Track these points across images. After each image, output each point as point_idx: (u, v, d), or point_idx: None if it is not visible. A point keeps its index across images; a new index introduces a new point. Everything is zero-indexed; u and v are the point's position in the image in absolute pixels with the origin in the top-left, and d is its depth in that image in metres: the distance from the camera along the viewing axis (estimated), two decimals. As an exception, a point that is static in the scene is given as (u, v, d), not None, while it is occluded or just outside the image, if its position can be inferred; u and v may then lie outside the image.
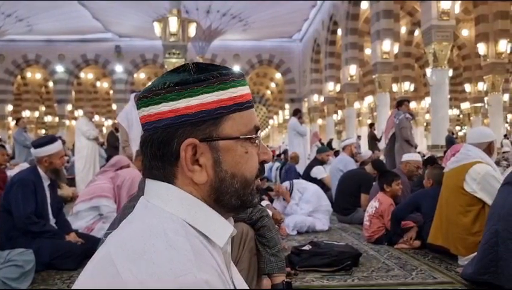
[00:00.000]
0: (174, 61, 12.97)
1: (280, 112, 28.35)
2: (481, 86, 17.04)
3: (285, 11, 19.88)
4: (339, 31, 18.04)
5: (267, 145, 11.86)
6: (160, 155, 0.65)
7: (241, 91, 0.68)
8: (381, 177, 4.35)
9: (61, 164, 3.53)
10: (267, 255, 1.95)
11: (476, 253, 2.91)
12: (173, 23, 12.98)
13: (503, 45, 13.37)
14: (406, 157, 4.96)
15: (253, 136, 0.69)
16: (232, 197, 0.67)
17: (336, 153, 9.28)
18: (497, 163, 5.68)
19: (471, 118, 18.85)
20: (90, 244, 3.50)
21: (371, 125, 12.25)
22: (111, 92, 25.27)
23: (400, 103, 6.78)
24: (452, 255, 3.31)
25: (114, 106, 23.82)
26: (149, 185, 0.69)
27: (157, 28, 13.36)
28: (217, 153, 0.65)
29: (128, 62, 23.41)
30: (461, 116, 24.67)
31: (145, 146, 0.67)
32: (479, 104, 17.73)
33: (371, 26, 14.18)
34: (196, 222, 0.64)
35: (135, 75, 24.51)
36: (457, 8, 10.95)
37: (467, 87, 18.14)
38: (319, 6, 20.20)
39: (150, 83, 0.71)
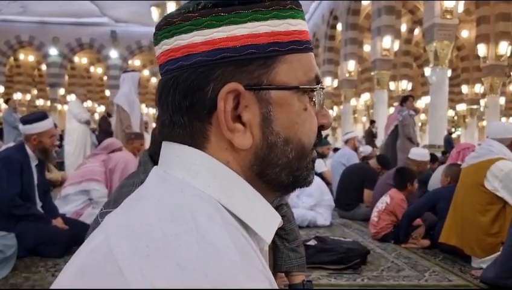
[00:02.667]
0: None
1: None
2: (478, 88, 16.94)
3: (286, 3, 19.57)
4: (339, 26, 17.81)
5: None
6: (187, 106, 0.47)
7: (301, 26, 0.50)
8: (400, 174, 4.05)
9: (51, 143, 3.27)
10: (286, 251, 1.69)
11: (494, 255, 2.71)
12: (171, 8, 12.69)
13: (503, 47, 13.22)
14: (419, 157, 4.60)
15: (317, 87, 0.50)
16: (282, 171, 0.49)
17: (335, 150, 9.04)
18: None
19: (467, 119, 18.76)
20: (78, 231, 3.24)
21: (372, 122, 12.06)
22: (105, 77, 24.82)
23: (405, 99, 6.57)
24: (465, 256, 3.11)
25: (107, 92, 23.40)
26: (168, 150, 0.50)
27: (154, 13, 13.08)
28: (267, 107, 0.47)
29: (124, 48, 22.97)
30: (456, 117, 24.60)
31: (165, 94, 0.48)
32: (475, 106, 17.64)
33: (372, 22, 13.98)
34: (234, 205, 0.46)
35: (130, 62, 24.06)
36: (460, 7, 10.71)
37: (464, 88, 18.02)
38: (320, 1, 19.94)
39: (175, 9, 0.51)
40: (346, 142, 6.06)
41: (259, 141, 0.47)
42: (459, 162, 4.80)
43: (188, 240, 0.38)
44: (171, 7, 12.68)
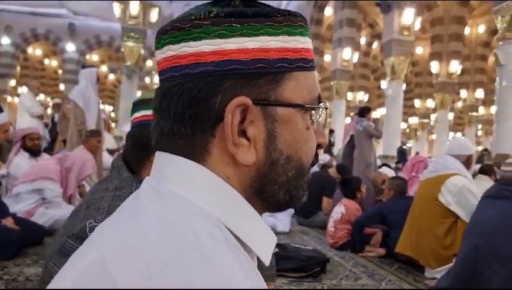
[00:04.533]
0: (132, 45, 12.40)
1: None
2: (429, 103, 17.72)
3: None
4: (301, 35, 18.07)
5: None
6: (190, 116, 0.44)
7: (308, 44, 0.49)
8: (347, 184, 4.19)
9: (4, 138, 3.08)
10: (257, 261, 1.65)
11: (447, 266, 2.81)
12: (134, 6, 12.42)
13: (454, 66, 13.91)
14: (389, 174, 4.75)
15: (321, 106, 0.50)
16: (281, 189, 0.48)
17: None
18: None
19: (418, 132, 19.55)
20: (29, 232, 3.08)
21: (331, 131, 12.30)
22: (60, 71, 23.85)
23: (366, 110, 6.75)
24: (418, 266, 3.21)
25: (62, 86, 22.46)
26: (164, 161, 0.47)
27: (116, 8, 12.71)
28: (273, 123, 0.46)
29: (82, 42, 22.17)
30: (408, 130, 25.58)
31: (167, 101, 0.46)
32: (426, 120, 18.42)
33: (334, 33, 14.30)
34: (234, 224, 0.44)
35: (88, 56, 23.26)
36: (417, 25, 11.18)
37: (417, 102, 18.79)
38: (284, 7, 20.13)
39: (182, 14, 0.47)
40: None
41: (262, 158, 0.46)
42: (413, 174, 4.99)
43: (192, 261, 0.36)
44: (134, 5, 12.42)
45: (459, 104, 19.68)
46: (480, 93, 16.42)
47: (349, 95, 17.22)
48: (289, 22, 0.46)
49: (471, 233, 2.48)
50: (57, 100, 7.26)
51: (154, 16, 13.36)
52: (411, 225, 3.20)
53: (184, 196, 0.43)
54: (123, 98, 12.21)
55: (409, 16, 10.51)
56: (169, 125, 0.46)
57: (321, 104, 0.50)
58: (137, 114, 0.95)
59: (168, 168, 0.46)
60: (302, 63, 0.47)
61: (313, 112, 0.49)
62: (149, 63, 20.39)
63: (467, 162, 3.09)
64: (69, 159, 3.48)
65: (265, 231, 0.47)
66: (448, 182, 2.97)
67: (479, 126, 18.35)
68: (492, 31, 15.94)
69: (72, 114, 5.00)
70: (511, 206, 2.24)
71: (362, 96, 18.09)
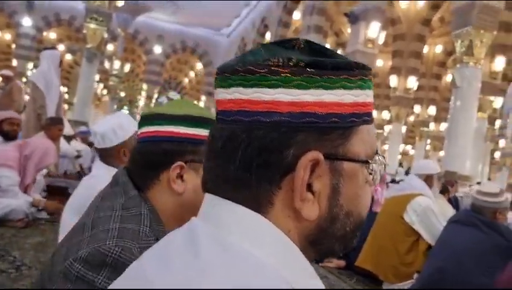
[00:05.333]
0: (94, 28, 11.94)
1: (195, 102, 27.71)
2: (385, 115, 18.32)
3: (219, 3, 19.47)
4: (268, 35, 18.14)
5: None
6: (258, 165, 0.43)
7: (372, 97, 0.49)
8: None
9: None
10: None
11: (407, 282, 2.90)
12: (104, -10, 11.98)
13: (411, 82, 14.47)
14: None
15: (382, 161, 0.50)
16: (337, 242, 0.48)
17: None
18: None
19: (372, 142, 20.18)
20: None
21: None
22: (13, 45, 22.53)
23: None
24: (376, 280, 3.29)
25: (15, 62, 21.24)
26: (223, 208, 0.45)
27: (82, -13, 12.18)
28: (338, 178, 0.45)
29: (40, 18, 21.06)
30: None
31: (232, 146, 0.44)
32: (381, 131, 19.04)
33: (300, 37, 14.41)
34: (298, 284, 0.43)
35: (45, 33, 22.14)
36: (381, 39, 11.53)
37: (374, 113, 19.34)
38: (253, 6, 20.14)
39: (247, 54, 0.46)
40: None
41: (324, 213, 0.45)
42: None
43: None
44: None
45: (411, 118, 20.53)
46: (432, 110, 17.19)
47: (310, 100, 17.51)
48: (362, 76, 0.45)
49: (437, 255, 2.57)
50: (7, 72, 6.80)
51: (121, 0, 12.95)
52: (373, 240, 3.28)
53: (248, 250, 0.41)
54: (81, 81, 11.74)
55: (374, 30, 10.81)
56: (233, 171, 0.44)
57: (380, 158, 0.49)
58: (148, 128, 0.88)
59: (229, 218, 0.44)
60: (367, 117, 0.47)
61: (374, 165, 0.48)
62: (110, 47, 19.71)
63: (426, 181, 3.22)
64: (30, 147, 3.27)
65: (320, 285, 0.47)
66: (414, 201, 3.08)
67: (428, 141, 19.20)
68: (448, 52, 16.74)
69: (31, 97, 4.73)
70: (479, 235, 2.33)
71: (322, 102, 18.44)
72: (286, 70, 0.42)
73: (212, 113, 0.91)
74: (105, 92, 24.19)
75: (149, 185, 0.88)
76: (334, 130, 0.44)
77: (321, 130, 0.43)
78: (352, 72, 0.44)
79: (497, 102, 11.84)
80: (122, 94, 26.01)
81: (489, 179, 16.36)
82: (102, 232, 0.78)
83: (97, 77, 15.45)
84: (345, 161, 0.45)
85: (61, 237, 1.61)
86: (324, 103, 0.43)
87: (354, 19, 10.74)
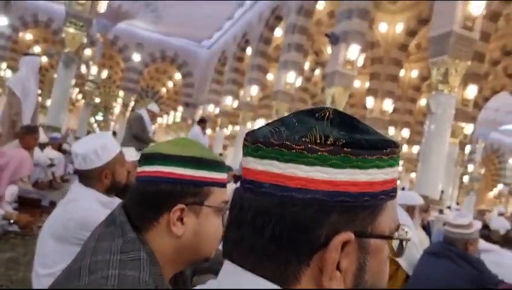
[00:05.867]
0: (73, 32, 11.71)
1: (172, 112, 27.52)
2: (360, 135, 18.64)
3: (201, 15, 19.52)
4: (249, 50, 18.25)
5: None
6: (290, 241, 0.43)
7: (398, 172, 0.50)
8: None
9: None
10: None
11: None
12: (90, -8, 11.80)
13: (387, 104, 14.79)
14: None
15: (404, 235, 0.50)
16: None
17: (235, 178, 8.86)
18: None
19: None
20: None
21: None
22: (-14, 44, 21.89)
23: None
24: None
25: (-13, 61, 20.63)
26: (244, 279, 0.45)
27: (64, -10, 11.96)
28: (365, 256, 0.46)
29: (16, 17, 20.57)
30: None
31: (264, 219, 0.44)
32: (355, 150, 19.33)
33: (281, 55, 14.58)
34: None
35: (21, 34, 21.64)
36: (360, 62, 11.75)
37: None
38: (235, 21, 20.26)
39: (280, 125, 0.46)
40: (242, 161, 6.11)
41: (348, 288, 0.45)
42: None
43: None
44: (103, 4, 11.85)
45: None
46: (406, 132, 17.58)
47: (287, 116, 17.64)
48: (392, 154, 0.46)
49: (413, 287, 2.59)
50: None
51: (102, 6, 12.80)
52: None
53: None
54: (57, 86, 11.45)
55: (354, 52, 11.00)
56: (260, 245, 0.44)
57: (403, 232, 0.49)
58: (149, 168, 0.85)
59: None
60: (394, 193, 0.48)
61: (404, 241, 0.49)
62: (88, 52, 19.41)
63: (409, 212, 3.25)
64: (5, 157, 3.13)
65: None
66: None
67: (401, 162, 19.60)
68: (423, 77, 17.23)
69: (7, 102, 4.58)
70: (453, 267, 2.37)
71: (299, 119, 18.59)
72: (323, 149, 0.43)
73: (214, 154, 0.89)
74: (80, 96, 23.72)
75: (148, 227, 0.84)
76: (365, 209, 0.44)
77: (353, 210, 0.44)
78: (384, 151, 0.45)
79: (468, 128, 12.21)
80: (98, 100, 25.57)
81: (457, 203, 16.79)
82: (101, 279, 0.74)
83: (73, 82, 15.17)
84: (373, 239, 0.45)
85: (37, 261, 1.53)
86: (357, 182, 0.43)
87: (334, 40, 10.91)
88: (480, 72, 11.21)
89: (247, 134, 0.48)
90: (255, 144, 0.45)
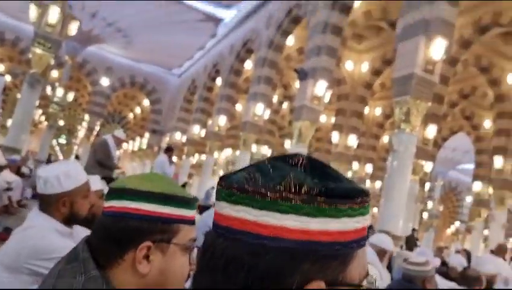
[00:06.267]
0: (41, 53, 11.48)
1: (138, 138, 27.10)
2: (325, 168, 18.91)
3: (173, 44, 19.66)
4: (219, 80, 18.42)
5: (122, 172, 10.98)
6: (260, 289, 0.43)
7: (369, 220, 0.50)
8: None
9: None
10: None
11: None
12: (54, 14, 11.60)
13: (352, 140, 15.15)
14: None
15: (372, 282, 0.50)
16: None
17: (200, 209, 8.71)
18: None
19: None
20: None
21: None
22: None
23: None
24: None
25: None
26: None
27: (33, 11, 11.75)
28: None
29: (-19, 35, 20.07)
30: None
31: (235, 266, 0.44)
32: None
33: (251, 87, 14.78)
34: None
35: (-16, 52, 21.06)
36: (327, 98, 12.05)
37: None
38: (206, 51, 20.48)
39: (254, 170, 0.46)
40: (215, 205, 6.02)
41: None
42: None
43: None
44: (54, 12, 11.64)
45: (349, 174, 21.32)
46: (369, 168, 17.99)
47: (254, 147, 17.71)
48: (364, 203, 0.47)
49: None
50: None
51: (73, 29, 12.65)
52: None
53: None
54: (20, 107, 11.07)
55: (321, 88, 11.28)
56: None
57: (371, 278, 0.50)
58: (117, 203, 0.83)
59: None
60: (364, 241, 0.48)
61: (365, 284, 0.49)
62: (54, 73, 19.02)
63: (379, 255, 3.29)
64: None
65: None
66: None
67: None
68: (387, 115, 17.84)
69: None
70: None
71: (266, 151, 18.70)
72: (297, 198, 0.43)
73: (185, 191, 0.87)
74: (43, 118, 23.05)
75: (112, 263, 0.81)
76: (336, 258, 0.44)
77: (325, 258, 0.44)
78: (356, 199, 0.45)
79: (428, 166, 12.64)
80: (62, 123, 24.90)
81: (417, 239, 17.15)
82: None
83: (36, 103, 14.75)
84: (343, 287, 0.45)
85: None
86: (330, 231, 0.44)
87: (302, 75, 11.18)
88: (440, 113, 11.73)
89: (222, 178, 0.47)
90: (229, 189, 0.45)
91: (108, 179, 4.69)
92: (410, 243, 13.53)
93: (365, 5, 11.84)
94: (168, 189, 0.83)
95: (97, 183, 2.05)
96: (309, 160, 0.48)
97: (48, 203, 1.58)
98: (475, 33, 11.25)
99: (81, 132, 25.07)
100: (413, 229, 15.31)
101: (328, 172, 0.47)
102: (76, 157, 17.58)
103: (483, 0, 10.67)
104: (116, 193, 0.83)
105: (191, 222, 0.85)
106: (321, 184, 0.44)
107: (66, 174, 1.57)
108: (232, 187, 0.45)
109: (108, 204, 0.84)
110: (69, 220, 1.59)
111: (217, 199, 0.47)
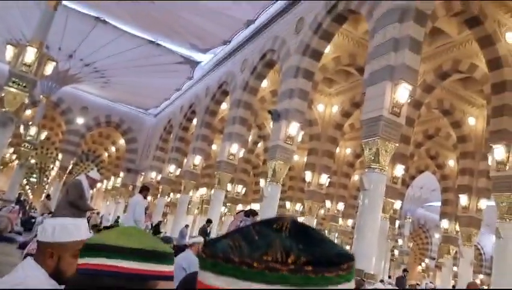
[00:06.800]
0: (15, 92, 11.26)
1: (112, 177, 26.52)
2: (298, 207, 18.90)
3: (151, 85, 19.73)
4: (195, 121, 18.45)
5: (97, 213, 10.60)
6: None
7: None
8: None
9: None
10: None
11: None
12: (30, 54, 11.49)
13: (324, 178, 15.26)
14: None
15: None
16: None
17: (175, 249, 8.55)
18: None
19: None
20: None
21: (208, 221, 12.14)
22: None
23: (253, 213, 6.89)
24: None
25: None
26: None
27: (10, 51, 11.63)
28: None
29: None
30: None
31: None
32: (293, 222, 19.39)
33: (226, 127, 14.86)
34: None
35: (-44, 90, 20.45)
36: (300, 137, 12.21)
37: (288, 204, 19.90)
38: (183, 92, 20.61)
39: (239, 238, 0.45)
40: (191, 245, 5.85)
41: None
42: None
43: None
44: (30, 53, 11.56)
45: (321, 212, 21.34)
46: (341, 206, 18.09)
47: (229, 186, 17.56)
48: (350, 269, 0.46)
49: None
50: None
51: (49, 69, 12.54)
52: None
53: None
54: (-10, 146, 10.72)
55: (294, 128, 11.44)
56: None
57: None
58: (92, 260, 0.79)
59: None
60: None
61: None
62: (28, 112, 18.63)
63: None
64: None
65: None
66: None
67: (337, 234, 19.85)
68: (357, 155, 18.16)
69: None
70: None
71: (241, 189, 18.58)
72: (284, 268, 0.42)
73: (165, 245, 0.84)
74: (14, 156, 22.34)
75: None
76: None
77: None
78: (342, 266, 0.45)
79: (397, 204, 12.82)
80: (33, 161, 24.18)
81: (389, 276, 17.12)
82: None
83: (8, 141, 14.34)
84: None
85: None
86: None
87: (276, 117, 11.34)
88: (407, 153, 12.04)
89: (206, 246, 0.46)
90: (214, 259, 0.44)
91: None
92: (402, 284, 13.51)
93: (334, 51, 12.29)
94: (145, 244, 0.79)
95: (85, 232, 1.91)
96: (293, 224, 0.47)
97: (39, 251, 1.51)
98: (437, 78, 11.79)
99: (53, 171, 24.37)
100: (405, 270, 15.31)
101: (313, 235, 0.47)
102: (48, 197, 16.98)
103: (443, 48, 11.30)
104: (91, 249, 0.80)
105: (169, 277, 0.81)
106: (307, 252, 0.43)
107: (64, 226, 1.50)
108: (217, 257, 0.43)
109: (83, 261, 0.80)
110: (54, 275, 1.49)
111: (201, 268, 0.45)
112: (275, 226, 0.46)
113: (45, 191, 24.81)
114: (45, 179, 26.48)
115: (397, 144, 8.47)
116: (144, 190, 7.79)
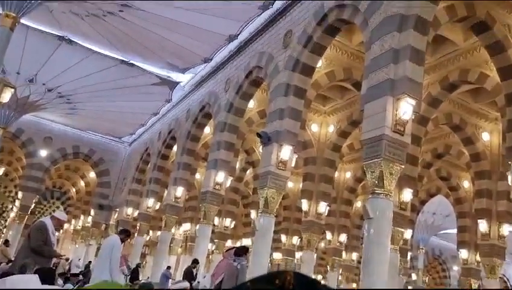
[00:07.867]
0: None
1: (82, 216, 26.12)
2: (295, 240, 18.68)
3: (123, 110, 19.69)
4: (175, 147, 18.38)
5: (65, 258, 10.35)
6: None
7: None
8: None
9: None
10: None
11: None
12: (7, 97, 11.72)
13: (323, 207, 15.15)
14: None
15: None
16: None
17: None
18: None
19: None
20: None
21: (195, 261, 11.91)
22: None
23: (244, 250, 6.84)
24: None
25: None
26: None
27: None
28: None
29: None
30: (270, 265, 26.30)
31: None
32: (291, 258, 19.09)
33: (210, 153, 14.80)
34: None
35: None
36: (293, 162, 12.19)
37: (283, 237, 19.61)
38: (161, 116, 20.61)
39: None
40: (175, 291, 5.77)
41: None
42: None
43: None
44: (7, 95, 11.75)
45: (322, 245, 21.16)
46: (343, 237, 17.95)
47: (216, 220, 17.36)
48: None
49: None
50: None
51: (6, 96, 12.54)
52: None
53: None
54: None
55: (286, 152, 11.40)
56: None
57: None
58: None
59: None
60: None
61: None
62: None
63: None
64: None
65: None
66: None
67: (340, 271, 19.59)
68: (358, 179, 18.18)
69: None
70: None
71: (229, 223, 18.40)
72: None
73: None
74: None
75: None
76: None
77: None
78: None
79: (407, 233, 12.74)
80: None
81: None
82: None
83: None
84: None
85: None
86: None
87: (265, 140, 11.31)
88: (414, 175, 12.00)
89: None
90: None
91: (45, 270, 4.41)
92: None
93: (328, 65, 12.41)
94: None
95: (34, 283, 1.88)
96: (296, 277, 0.47)
97: None
98: (443, 91, 11.87)
99: (13, 213, 23.92)
100: None
101: (317, 289, 0.47)
102: (6, 242, 16.60)
103: (449, 57, 11.43)
104: None
105: None
106: None
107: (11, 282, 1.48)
108: None
109: None
110: None
111: None
112: (276, 282, 0.46)
113: (2, 235, 24.29)
114: (2, 221, 25.96)
115: (403, 166, 8.40)
116: (123, 233, 7.46)
